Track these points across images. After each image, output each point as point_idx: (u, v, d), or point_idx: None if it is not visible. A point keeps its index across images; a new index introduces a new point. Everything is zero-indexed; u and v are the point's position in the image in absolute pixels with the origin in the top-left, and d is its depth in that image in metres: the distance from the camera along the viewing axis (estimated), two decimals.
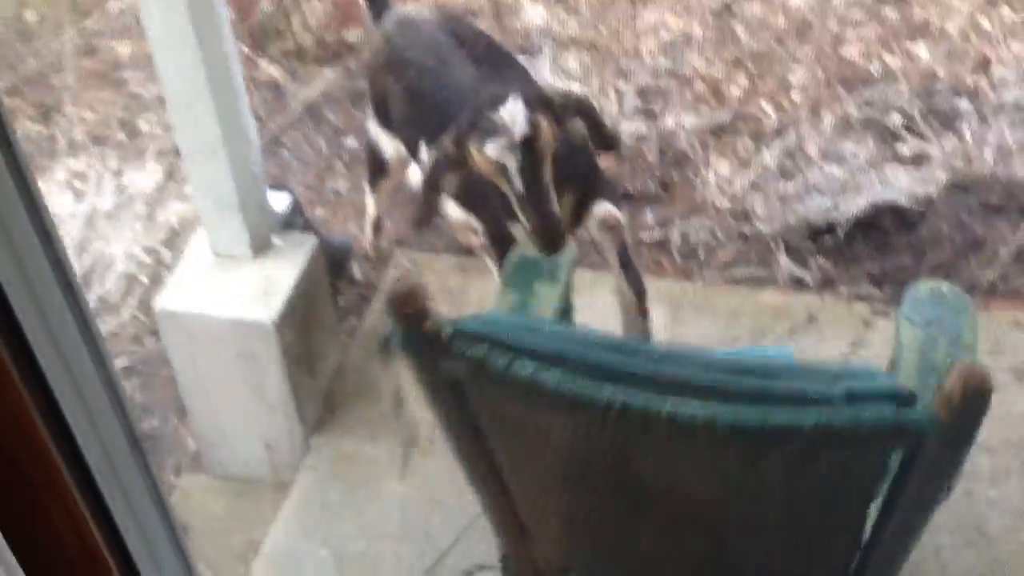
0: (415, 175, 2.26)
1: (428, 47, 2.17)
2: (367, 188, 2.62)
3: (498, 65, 2.15)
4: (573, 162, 1.89)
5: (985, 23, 3.60)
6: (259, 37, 3.31)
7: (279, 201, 2.37)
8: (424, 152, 2.11)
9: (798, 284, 2.73)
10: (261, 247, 2.23)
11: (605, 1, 3.77)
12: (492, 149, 1.75)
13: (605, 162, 2.38)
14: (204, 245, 2.23)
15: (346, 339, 2.53)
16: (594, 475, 1.33)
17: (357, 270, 2.69)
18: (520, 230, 1.90)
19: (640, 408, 1.14)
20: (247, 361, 2.19)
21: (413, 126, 2.17)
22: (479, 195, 1.98)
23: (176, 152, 2.90)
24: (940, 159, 3.07)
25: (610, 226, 2.07)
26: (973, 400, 1.10)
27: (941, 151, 3.09)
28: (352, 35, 3.42)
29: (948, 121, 3.19)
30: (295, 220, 2.40)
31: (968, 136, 3.12)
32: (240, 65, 2.17)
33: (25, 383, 0.66)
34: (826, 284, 2.72)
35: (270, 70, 3.28)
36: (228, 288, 2.17)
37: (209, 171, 2.12)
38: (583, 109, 1.86)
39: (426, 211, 1.96)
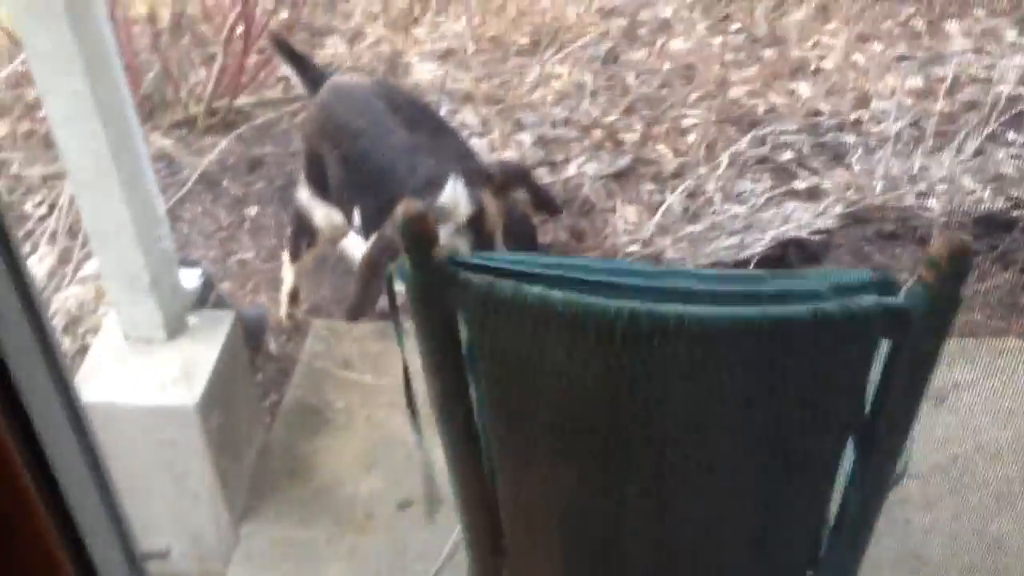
0: (350, 243, 2.21)
1: (363, 113, 2.13)
2: (286, 257, 2.54)
3: (432, 131, 2.12)
4: (519, 232, 1.87)
5: (860, 59, 3.76)
6: (147, 109, 3.20)
7: (190, 277, 2.26)
8: (357, 217, 2.05)
9: None
10: (176, 328, 2.12)
11: (494, 56, 3.80)
12: (440, 236, 1.71)
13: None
14: (114, 330, 2.11)
15: (268, 416, 2.43)
16: (589, 404, 1.31)
17: (273, 343, 2.60)
18: None
19: (647, 314, 1.16)
20: (169, 449, 2.07)
21: (348, 192, 2.12)
22: None
23: (69, 234, 2.76)
24: (833, 192, 3.16)
25: None
26: (958, 260, 1.13)
27: (833, 184, 3.19)
28: (243, 102, 3.34)
29: (836, 155, 3.30)
30: (208, 296, 2.30)
31: (857, 168, 3.23)
32: (143, 140, 2.08)
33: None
34: None
35: (161, 142, 3.17)
36: (144, 374, 2.06)
37: (118, 252, 2.01)
38: (521, 177, 1.84)
39: (364, 299, 1.89)
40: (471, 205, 1.70)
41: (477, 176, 1.75)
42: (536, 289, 1.17)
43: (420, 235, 1.18)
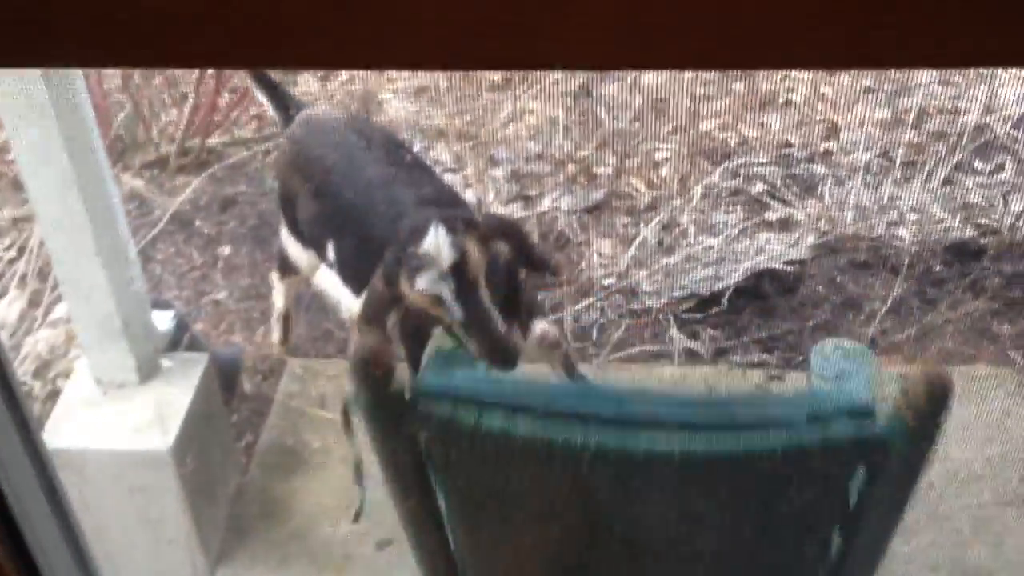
0: (323, 278, 2.20)
1: (337, 148, 2.13)
2: (275, 281, 2.52)
3: (408, 168, 2.13)
4: (501, 278, 1.87)
5: (828, 91, 3.80)
6: (118, 150, 3.19)
7: (162, 319, 2.25)
8: (332, 253, 2.05)
9: (692, 356, 2.76)
10: (149, 371, 2.11)
11: (467, 92, 3.81)
12: (423, 283, 1.72)
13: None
14: (86, 374, 2.09)
15: (243, 458, 2.40)
16: (560, 533, 1.29)
17: (248, 383, 2.58)
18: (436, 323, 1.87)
19: (615, 447, 1.13)
20: (143, 494, 2.05)
21: (321, 228, 2.12)
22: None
23: (39, 277, 2.74)
24: (806, 223, 3.19)
25: (551, 344, 2.01)
26: (936, 400, 1.12)
27: (805, 215, 3.21)
28: (215, 141, 3.33)
29: (808, 186, 3.33)
30: (181, 338, 2.28)
31: (828, 199, 3.25)
32: (113, 181, 2.07)
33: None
34: (719, 354, 2.76)
35: (132, 183, 3.15)
36: (117, 418, 2.03)
37: (89, 295, 2.00)
38: (509, 232, 1.85)
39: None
40: (454, 252, 1.71)
41: (460, 223, 1.76)
42: (497, 420, 1.14)
43: (375, 371, 1.16)
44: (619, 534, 1.27)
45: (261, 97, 2.46)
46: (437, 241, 1.72)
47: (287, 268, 2.43)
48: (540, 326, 1.96)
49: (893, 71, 3.81)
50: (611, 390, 1.23)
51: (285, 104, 2.37)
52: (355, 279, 2.03)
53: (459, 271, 1.71)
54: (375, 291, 1.80)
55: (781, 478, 1.18)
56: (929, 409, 1.11)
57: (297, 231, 2.24)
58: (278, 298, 2.57)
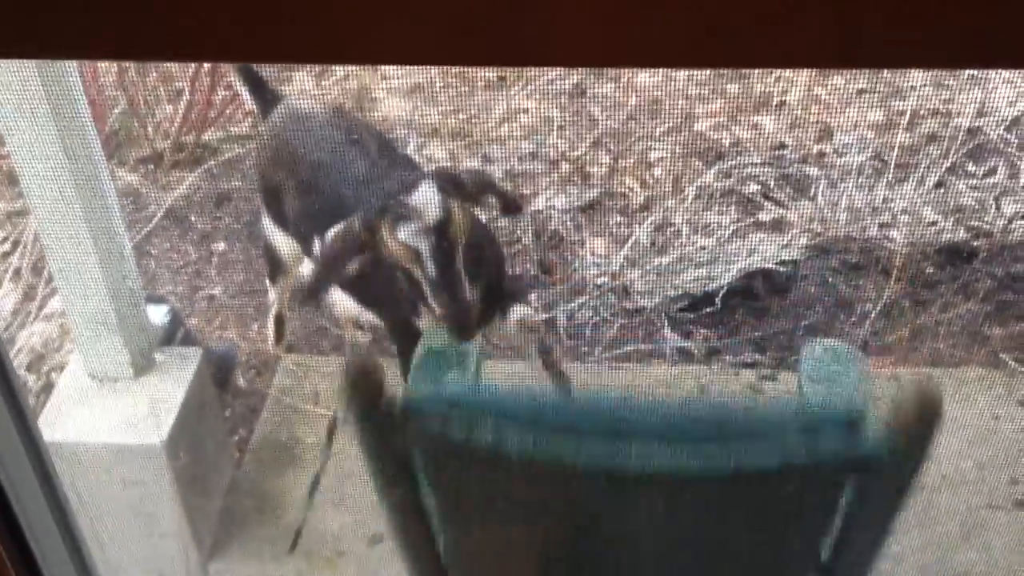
0: (307, 272, 2.20)
1: (320, 143, 2.12)
2: (268, 284, 2.53)
3: (388, 159, 2.13)
4: (483, 251, 1.88)
5: (821, 92, 3.81)
6: (113, 144, 3.19)
7: (157, 314, 2.25)
8: (318, 250, 2.05)
9: (685, 356, 2.77)
10: (143, 365, 2.11)
11: (461, 90, 3.81)
12: (405, 234, 1.72)
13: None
14: (80, 368, 2.10)
15: (236, 453, 2.41)
16: (548, 542, 1.30)
17: (242, 379, 2.58)
18: (427, 321, 1.87)
19: (606, 465, 1.13)
20: (136, 488, 2.05)
21: (306, 223, 2.11)
22: (383, 288, 1.92)
23: (34, 271, 2.74)
24: (798, 223, 3.20)
25: (531, 328, 2.04)
26: (928, 418, 1.12)
27: (798, 216, 3.23)
28: (210, 137, 3.34)
29: (800, 187, 3.35)
30: (175, 333, 2.29)
31: (821, 200, 3.27)
32: (109, 176, 2.07)
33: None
34: (711, 353, 2.77)
35: (127, 178, 3.16)
36: (111, 412, 2.04)
37: (83, 289, 2.00)
38: (489, 183, 1.86)
39: (319, 286, 1.89)
40: (440, 211, 1.71)
41: (450, 185, 1.77)
42: (487, 437, 1.15)
43: (366, 389, 1.16)
44: (606, 544, 1.28)
45: (242, 90, 2.43)
46: (426, 196, 1.73)
47: (277, 269, 2.43)
48: (520, 309, 1.97)
49: (886, 73, 3.83)
50: (600, 400, 1.23)
51: (263, 92, 2.34)
52: None
53: (441, 230, 1.71)
54: (350, 229, 1.79)
55: (771, 492, 1.19)
56: (920, 429, 1.11)
57: (282, 223, 2.23)
58: (273, 301, 2.58)
